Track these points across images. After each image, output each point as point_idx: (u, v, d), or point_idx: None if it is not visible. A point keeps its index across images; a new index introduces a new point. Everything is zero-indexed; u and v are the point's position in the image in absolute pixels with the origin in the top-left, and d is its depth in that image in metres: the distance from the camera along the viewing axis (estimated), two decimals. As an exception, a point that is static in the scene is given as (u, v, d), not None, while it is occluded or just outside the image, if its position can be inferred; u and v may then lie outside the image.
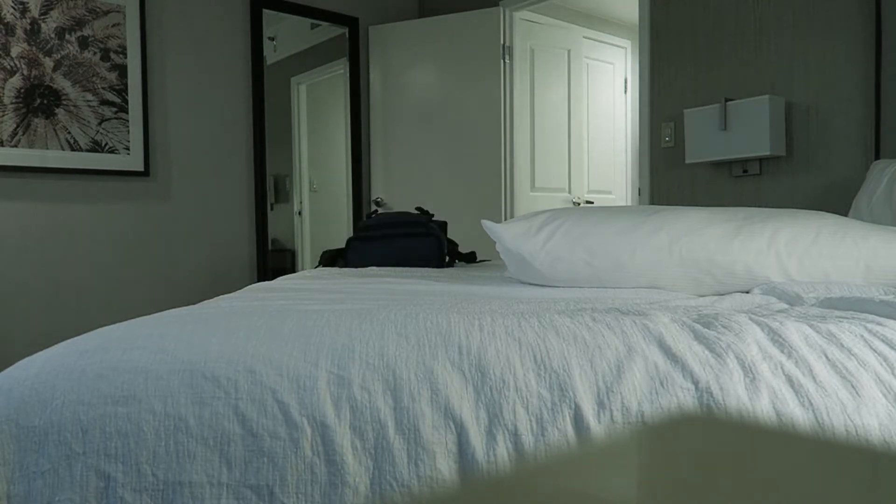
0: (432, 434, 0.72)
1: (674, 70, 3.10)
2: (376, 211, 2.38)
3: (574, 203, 4.34)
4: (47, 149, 3.02)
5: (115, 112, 3.19)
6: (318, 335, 0.80)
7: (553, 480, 0.26)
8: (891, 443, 0.76)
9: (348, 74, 4.02)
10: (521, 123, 4.00)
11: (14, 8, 2.94)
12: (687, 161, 2.88)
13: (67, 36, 3.07)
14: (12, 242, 2.99)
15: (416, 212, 2.26)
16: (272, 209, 3.79)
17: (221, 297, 1.31)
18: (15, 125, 2.95)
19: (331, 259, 2.37)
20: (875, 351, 0.84)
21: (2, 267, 2.97)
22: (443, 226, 2.35)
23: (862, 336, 0.87)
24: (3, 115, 2.92)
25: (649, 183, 3.22)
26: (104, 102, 3.16)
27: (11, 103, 2.94)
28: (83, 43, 3.11)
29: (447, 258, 2.16)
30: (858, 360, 0.82)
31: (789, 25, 2.70)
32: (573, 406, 0.74)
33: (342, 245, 3.63)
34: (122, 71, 3.20)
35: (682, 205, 3.10)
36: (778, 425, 0.31)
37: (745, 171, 2.85)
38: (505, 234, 1.39)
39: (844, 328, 0.88)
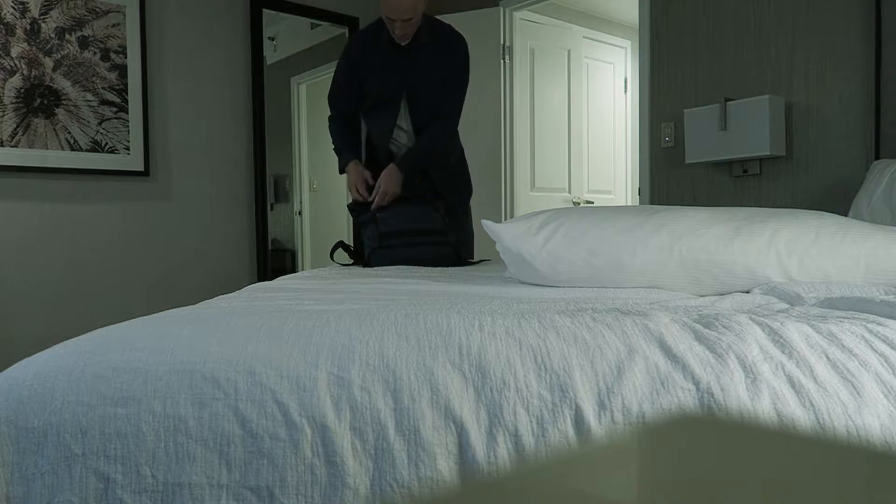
0: (432, 435, 0.71)
1: (674, 70, 3.09)
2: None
3: (574, 203, 4.34)
4: (47, 149, 3.02)
5: (115, 112, 3.19)
6: (318, 336, 0.80)
7: (554, 481, 0.25)
8: (892, 443, 0.76)
9: (348, 74, 4.01)
10: (521, 123, 4.00)
11: (14, 8, 2.94)
12: (687, 161, 2.88)
13: (67, 36, 3.07)
14: (12, 242, 2.99)
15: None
16: (272, 209, 3.79)
17: (221, 297, 1.30)
18: (15, 125, 2.95)
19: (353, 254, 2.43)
20: (876, 351, 0.84)
21: (2, 267, 2.97)
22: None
23: (863, 336, 0.86)
24: (3, 115, 2.92)
25: (649, 183, 3.22)
26: (104, 102, 3.16)
27: (11, 103, 2.94)
28: (83, 43, 3.10)
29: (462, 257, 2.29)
30: (859, 360, 0.82)
31: (789, 25, 2.70)
32: (574, 407, 0.74)
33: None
34: (122, 71, 3.20)
35: (682, 205, 3.10)
36: (779, 426, 0.31)
37: (745, 171, 2.85)
38: (505, 234, 1.39)
39: (845, 328, 0.88)
